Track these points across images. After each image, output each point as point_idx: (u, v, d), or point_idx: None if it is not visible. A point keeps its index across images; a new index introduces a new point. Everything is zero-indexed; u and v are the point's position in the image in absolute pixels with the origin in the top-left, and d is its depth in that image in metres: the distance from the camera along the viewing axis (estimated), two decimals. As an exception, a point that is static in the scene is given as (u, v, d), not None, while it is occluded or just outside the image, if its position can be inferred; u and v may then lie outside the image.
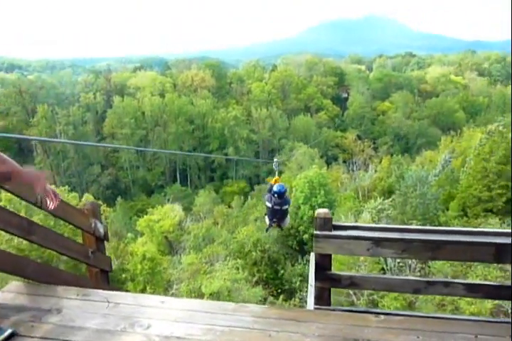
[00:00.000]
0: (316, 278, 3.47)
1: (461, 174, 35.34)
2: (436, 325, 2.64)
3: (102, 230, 4.17)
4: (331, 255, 3.45)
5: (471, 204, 31.24)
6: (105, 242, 4.38)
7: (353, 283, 3.52)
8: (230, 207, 48.80)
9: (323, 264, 3.43)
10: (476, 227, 26.93)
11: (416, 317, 3.00)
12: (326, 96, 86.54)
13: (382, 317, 2.65)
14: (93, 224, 4.05)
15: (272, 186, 7.11)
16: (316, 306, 3.47)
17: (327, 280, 3.46)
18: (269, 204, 7.13)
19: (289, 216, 7.51)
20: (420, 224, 25.08)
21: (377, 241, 3.21)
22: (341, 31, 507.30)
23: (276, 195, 6.91)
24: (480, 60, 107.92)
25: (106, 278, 4.37)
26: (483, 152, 31.49)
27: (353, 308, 3.50)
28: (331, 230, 3.30)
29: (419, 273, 20.42)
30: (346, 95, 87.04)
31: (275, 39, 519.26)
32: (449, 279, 3.63)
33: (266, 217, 7.51)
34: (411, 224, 25.83)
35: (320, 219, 3.30)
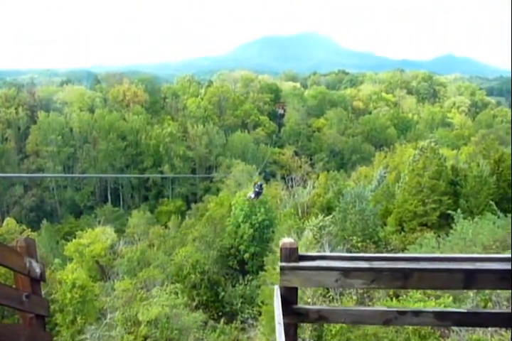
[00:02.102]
0: (282, 314, 3.19)
1: (397, 189, 36.13)
2: None
3: (38, 270, 3.72)
4: (297, 287, 3.30)
5: (407, 219, 31.97)
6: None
7: (321, 317, 3.37)
8: (166, 227, 46.85)
9: (290, 298, 3.27)
10: (413, 242, 27.47)
11: None
12: (263, 113, 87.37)
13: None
14: (28, 264, 3.59)
15: (256, 183, 18.66)
16: None
17: (294, 315, 3.28)
18: (257, 189, 18.03)
19: (261, 195, 19.62)
20: (360, 240, 25.01)
21: (346, 272, 3.12)
22: (274, 48, 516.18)
23: (260, 185, 18.64)
24: (408, 78, 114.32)
25: (42, 323, 3.94)
26: (416, 168, 32.41)
27: None
28: (297, 261, 3.17)
29: (362, 290, 20.03)
30: (283, 112, 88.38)
31: (208, 55, 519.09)
32: (419, 308, 3.62)
33: (251, 193, 19.02)
34: (351, 240, 25.74)
35: (285, 250, 3.15)
